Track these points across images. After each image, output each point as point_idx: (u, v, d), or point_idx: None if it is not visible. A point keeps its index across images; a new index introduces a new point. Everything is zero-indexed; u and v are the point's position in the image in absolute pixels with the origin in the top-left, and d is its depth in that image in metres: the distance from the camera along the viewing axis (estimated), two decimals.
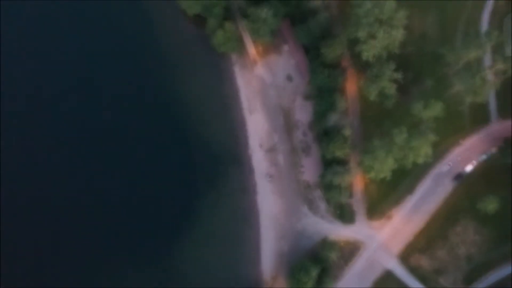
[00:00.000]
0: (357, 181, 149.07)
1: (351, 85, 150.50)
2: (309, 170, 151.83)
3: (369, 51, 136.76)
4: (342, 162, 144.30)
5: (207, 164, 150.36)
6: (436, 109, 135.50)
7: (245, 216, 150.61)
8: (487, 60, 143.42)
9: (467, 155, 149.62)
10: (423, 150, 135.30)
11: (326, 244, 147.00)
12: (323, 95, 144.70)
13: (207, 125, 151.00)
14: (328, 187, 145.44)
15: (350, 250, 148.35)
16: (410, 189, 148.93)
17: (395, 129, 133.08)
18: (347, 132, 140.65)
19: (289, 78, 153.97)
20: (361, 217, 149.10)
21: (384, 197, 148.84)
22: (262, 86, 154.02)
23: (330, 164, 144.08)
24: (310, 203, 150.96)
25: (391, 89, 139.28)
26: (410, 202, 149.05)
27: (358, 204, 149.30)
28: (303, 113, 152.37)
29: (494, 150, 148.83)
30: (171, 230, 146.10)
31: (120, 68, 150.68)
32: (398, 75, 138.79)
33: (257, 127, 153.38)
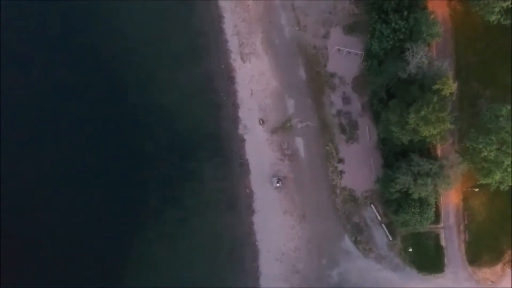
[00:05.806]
0: (448, 192, 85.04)
1: (439, 5, 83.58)
2: (355, 169, 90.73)
3: None
4: (426, 153, 76.84)
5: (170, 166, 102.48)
6: None
7: (230, 258, 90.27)
8: None
9: None
10: None
11: None
12: (387, 18, 77.60)
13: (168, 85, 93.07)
14: (395, 202, 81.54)
15: None
16: None
17: None
18: (449, 85, 69.18)
19: None
20: (456, 260, 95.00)
21: (500, 225, 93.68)
22: (264, 7, 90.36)
23: (402, 155, 78.15)
24: (357, 231, 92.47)
25: None
26: None
27: (451, 236, 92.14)
28: (342, 60, 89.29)
29: None
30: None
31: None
32: None
33: (255, 86, 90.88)
